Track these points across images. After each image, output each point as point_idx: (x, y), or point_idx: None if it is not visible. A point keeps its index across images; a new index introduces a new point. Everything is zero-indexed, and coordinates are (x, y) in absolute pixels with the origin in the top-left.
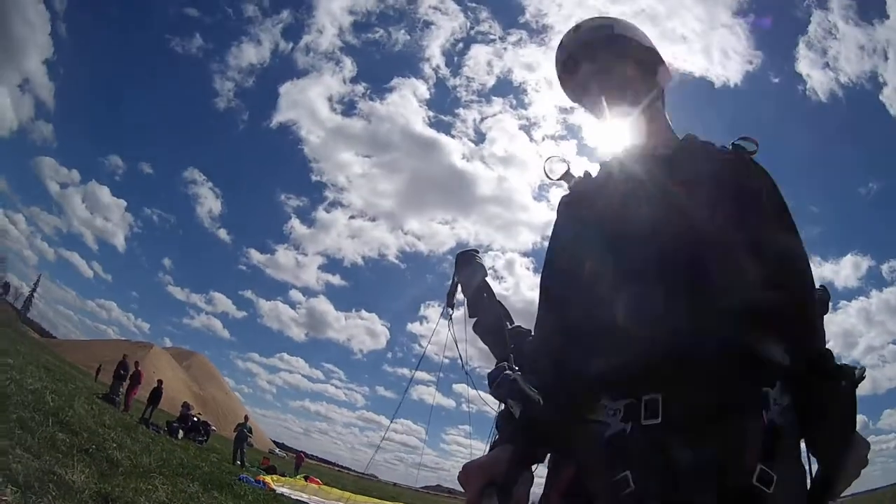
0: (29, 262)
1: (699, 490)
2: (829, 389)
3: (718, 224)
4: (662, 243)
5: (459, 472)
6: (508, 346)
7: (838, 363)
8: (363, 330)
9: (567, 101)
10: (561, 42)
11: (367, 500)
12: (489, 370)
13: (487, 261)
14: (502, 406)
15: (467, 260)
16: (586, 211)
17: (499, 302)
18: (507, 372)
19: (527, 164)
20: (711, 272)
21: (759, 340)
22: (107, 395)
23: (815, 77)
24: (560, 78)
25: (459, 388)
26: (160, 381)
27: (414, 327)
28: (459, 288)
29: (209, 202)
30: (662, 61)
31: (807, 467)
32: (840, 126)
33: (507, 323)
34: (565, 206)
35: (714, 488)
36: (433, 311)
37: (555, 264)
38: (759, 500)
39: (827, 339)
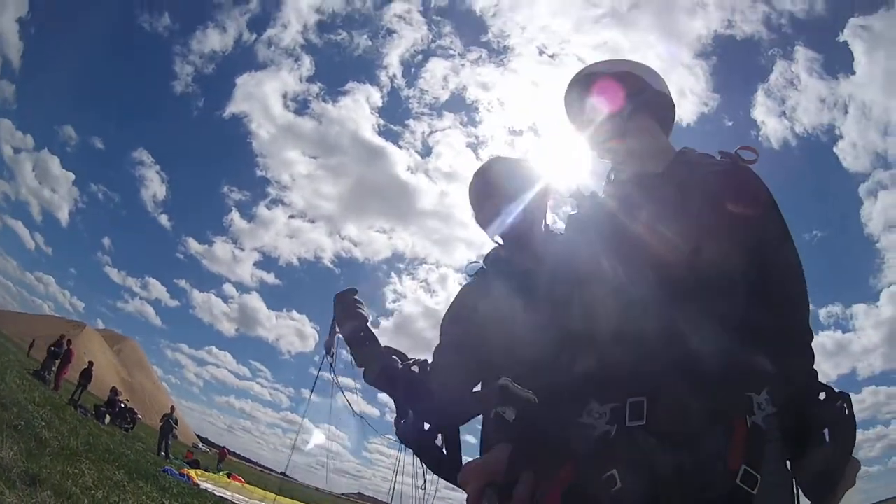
0: None
1: (682, 490)
2: (824, 412)
3: (710, 232)
4: (651, 251)
5: (460, 473)
6: (408, 386)
7: (829, 389)
8: (293, 331)
9: (517, 125)
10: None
11: (290, 502)
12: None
13: (421, 273)
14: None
15: (345, 304)
16: (587, 226)
17: (386, 347)
18: (503, 380)
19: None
20: (700, 279)
21: (746, 347)
22: (38, 371)
23: (770, 124)
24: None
25: (384, 396)
26: (91, 363)
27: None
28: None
29: (154, 186)
30: (653, 89)
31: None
32: (791, 173)
33: (398, 362)
34: (571, 221)
35: (697, 488)
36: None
37: (556, 276)
38: (744, 502)
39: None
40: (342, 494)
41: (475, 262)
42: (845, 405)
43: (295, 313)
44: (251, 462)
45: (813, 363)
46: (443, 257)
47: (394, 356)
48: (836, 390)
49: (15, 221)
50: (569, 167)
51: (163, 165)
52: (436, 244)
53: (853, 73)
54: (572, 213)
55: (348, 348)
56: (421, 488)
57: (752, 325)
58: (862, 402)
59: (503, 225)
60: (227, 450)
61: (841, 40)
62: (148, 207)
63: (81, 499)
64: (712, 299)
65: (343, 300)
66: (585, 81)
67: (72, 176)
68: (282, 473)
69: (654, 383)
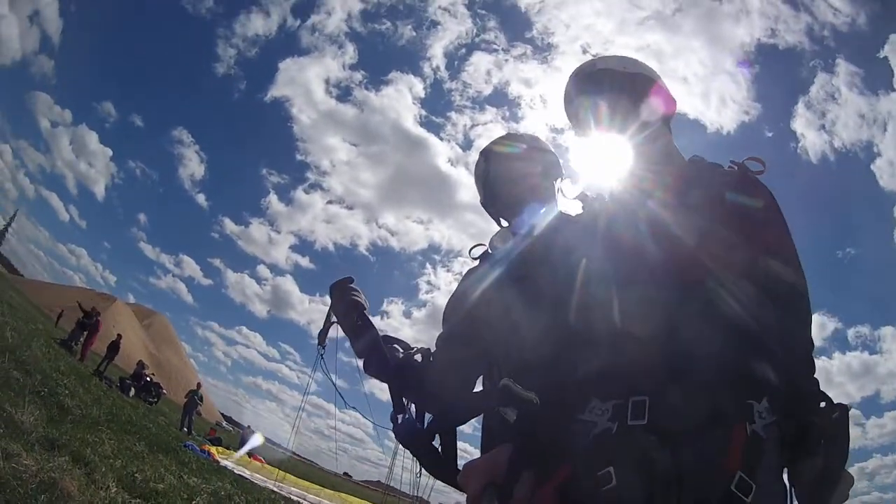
0: (9, 195)
1: (678, 491)
2: (823, 420)
3: (717, 240)
4: (662, 256)
5: (460, 473)
6: (407, 376)
7: (828, 399)
8: (324, 316)
9: (559, 123)
10: (570, 77)
11: (308, 485)
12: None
13: (456, 266)
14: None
15: (341, 293)
16: (595, 226)
17: (384, 336)
18: (504, 381)
19: None
20: (707, 285)
21: (749, 355)
22: (65, 341)
23: (810, 137)
24: (565, 107)
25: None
26: (119, 336)
27: (374, 321)
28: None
29: (193, 165)
30: (660, 90)
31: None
32: (827, 188)
33: (399, 351)
34: (580, 222)
35: (692, 490)
36: (396, 307)
37: (558, 272)
38: None
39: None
40: (362, 482)
41: (480, 244)
42: (841, 416)
43: (328, 298)
44: (273, 443)
45: (814, 372)
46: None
47: (394, 345)
48: (835, 401)
49: (49, 193)
50: (602, 166)
51: (202, 146)
52: (473, 238)
53: (893, 89)
54: (579, 212)
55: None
56: (418, 476)
57: (755, 332)
58: (883, 426)
59: (519, 213)
60: (251, 430)
61: (881, 56)
62: (185, 186)
63: (99, 466)
64: (716, 303)
65: (339, 289)
66: (598, 77)
67: (109, 152)
68: (294, 453)
69: (657, 383)
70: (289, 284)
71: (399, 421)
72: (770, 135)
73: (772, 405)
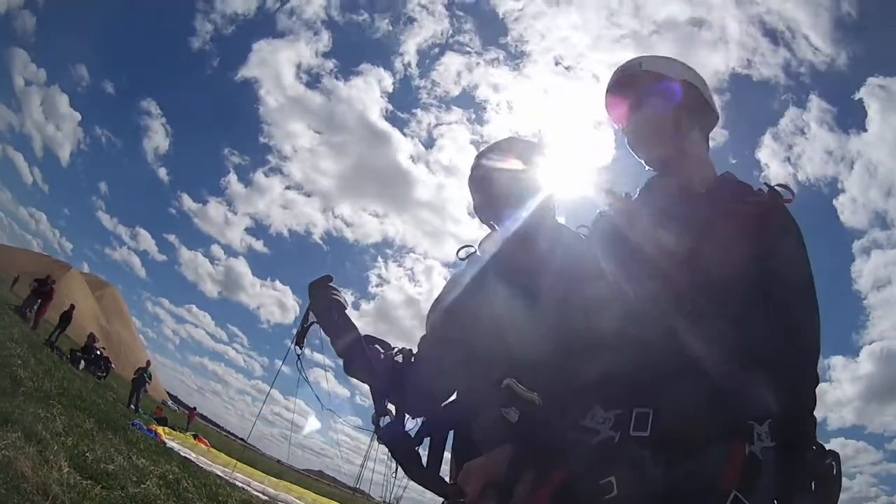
0: None
1: None
2: (817, 462)
3: (738, 262)
4: (682, 271)
5: (460, 473)
6: (391, 378)
7: (821, 445)
8: (274, 301)
9: (523, 129)
10: (608, 82)
11: (252, 472)
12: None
13: (408, 262)
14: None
15: (323, 294)
16: (618, 230)
17: (367, 336)
18: (507, 381)
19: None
20: (723, 306)
21: (756, 378)
22: (19, 307)
23: (774, 167)
24: (606, 100)
25: (354, 380)
26: (72, 306)
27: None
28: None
29: (158, 138)
30: (707, 103)
31: None
32: None
33: (381, 352)
34: (599, 220)
35: None
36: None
37: (573, 274)
38: None
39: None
40: (304, 470)
41: (468, 245)
42: (834, 463)
43: (279, 283)
44: (217, 426)
45: (814, 409)
46: (431, 249)
47: (376, 345)
48: (827, 448)
49: (16, 154)
50: (569, 177)
51: (169, 118)
52: (426, 235)
53: (865, 130)
54: (602, 210)
55: (327, 337)
56: (393, 478)
57: (765, 357)
58: None
59: (512, 218)
60: (197, 412)
61: (857, 97)
62: (148, 158)
63: (51, 444)
64: (730, 323)
65: (318, 287)
66: (641, 79)
67: (78, 116)
68: (243, 440)
69: (661, 396)
70: (241, 266)
71: (381, 424)
72: (734, 161)
73: (772, 430)
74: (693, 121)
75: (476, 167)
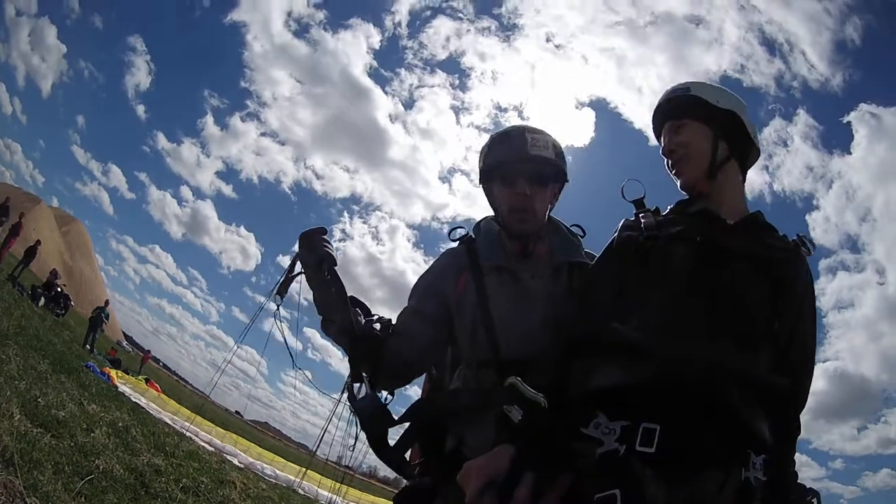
0: None
1: None
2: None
3: (758, 302)
4: (708, 299)
5: (460, 472)
6: (370, 347)
7: (802, 484)
8: (237, 247)
9: (504, 101)
10: (665, 92)
11: (201, 422)
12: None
13: (373, 219)
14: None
15: (315, 245)
16: (644, 245)
17: (349, 298)
18: (512, 379)
19: (445, 143)
20: (740, 339)
21: (757, 412)
22: None
23: (751, 174)
24: (653, 121)
25: (309, 332)
26: (38, 242)
27: (284, 260)
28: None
29: (141, 75)
30: (749, 138)
31: None
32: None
33: (362, 317)
34: (626, 230)
35: None
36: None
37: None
38: None
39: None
40: (250, 421)
41: (460, 227)
42: (815, 502)
43: (243, 230)
44: (169, 370)
45: (794, 453)
46: (398, 209)
47: (357, 308)
48: (808, 486)
49: None
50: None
51: (154, 56)
52: (395, 195)
53: (849, 153)
54: (629, 220)
55: (311, 291)
56: (350, 449)
57: (766, 394)
58: None
59: (532, 220)
60: (151, 355)
61: (846, 120)
62: (129, 95)
63: (4, 388)
64: (742, 358)
65: (311, 238)
66: (688, 103)
67: (64, 48)
68: (202, 393)
69: (671, 413)
70: (208, 210)
71: (357, 391)
72: None
73: (764, 464)
74: (731, 153)
75: (504, 140)
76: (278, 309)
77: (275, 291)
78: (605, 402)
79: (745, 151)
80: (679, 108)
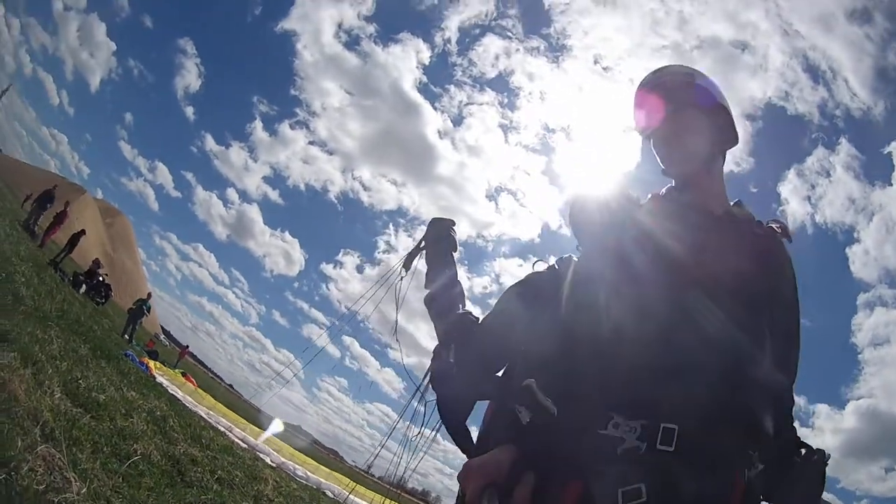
0: (6, 68)
1: None
2: (804, 461)
3: (755, 294)
4: (723, 293)
5: (460, 471)
6: (455, 331)
7: (808, 446)
8: (281, 251)
9: (551, 122)
10: (643, 80)
11: (235, 418)
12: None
13: (418, 234)
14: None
15: (441, 229)
16: (636, 233)
17: (459, 282)
18: (528, 382)
19: (491, 161)
20: (746, 336)
21: (762, 408)
22: (26, 221)
23: (793, 204)
24: (638, 97)
25: (348, 340)
26: (83, 231)
27: (327, 269)
28: (424, 254)
29: (190, 77)
30: (734, 128)
31: None
32: (797, 258)
33: (461, 306)
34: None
35: None
36: (350, 259)
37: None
38: None
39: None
40: (283, 423)
41: (541, 260)
42: (820, 459)
43: (288, 235)
44: (205, 367)
45: (792, 424)
46: None
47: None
48: (814, 447)
49: (46, 75)
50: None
51: (204, 59)
52: (441, 210)
53: (890, 185)
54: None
55: (428, 268)
56: (416, 437)
57: (771, 389)
58: None
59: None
60: (188, 350)
61: (887, 151)
62: (178, 95)
63: (46, 367)
64: (752, 355)
65: (441, 224)
66: (686, 85)
67: (113, 46)
68: (254, 407)
69: (691, 416)
70: (254, 213)
71: (444, 359)
72: (755, 191)
73: (761, 454)
74: (721, 143)
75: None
76: (401, 280)
77: (402, 264)
78: (620, 402)
79: (730, 142)
80: (684, 92)
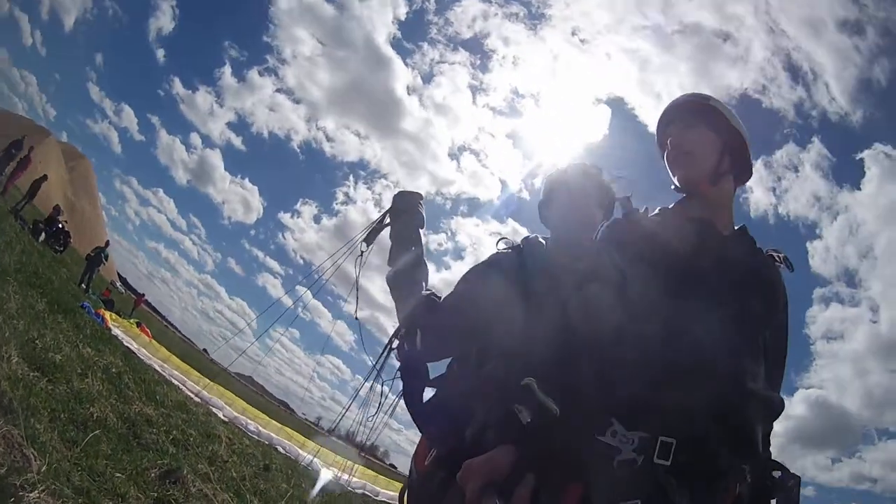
0: None
1: None
2: (781, 485)
3: (757, 315)
4: (717, 309)
5: (460, 471)
6: (422, 317)
7: (785, 468)
8: (240, 199)
9: (523, 88)
10: (682, 95)
11: (188, 370)
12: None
13: (378, 187)
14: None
15: (408, 204)
16: (643, 247)
17: (424, 261)
18: (527, 380)
19: (458, 121)
20: (745, 353)
21: (756, 423)
22: None
23: (757, 194)
24: (663, 116)
25: (301, 290)
26: (45, 176)
27: (285, 218)
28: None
29: (164, 19)
30: (748, 161)
31: None
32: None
33: (424, 284)
34: (611, 230)
35: None
36: (308, 209)
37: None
38: None
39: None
40: (235, 373)
41: (505, 238)
42: (795, 485)
43: (248, 182)
44: (160, 315)
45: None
46: (404, 180)
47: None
48: (791, 471)
49: (22, 14)
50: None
51: (179, 1)
52: (403, 165)
53: (858, 189)
54: (615, 220)
55: (392, 245)
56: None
57: (765, 406)
58: None
59: (582, 234)
60: (144, 299)
61: (859, 157)
62: (150, 37)
63: (3, 329)
64: (750, 372)
65: (409, 198)
66: (706, 111)
67: None
68: (224, 368)
69: (688, 430)
70: (216, 159)
71: (405, 344)
72: None
73: (750, 469)
74: (732, 169)
75: (562, 183)
76: (362, 255)
77: (364, 238)
78: (621, 411)
79: (743, 172)
80: (695, 112)
